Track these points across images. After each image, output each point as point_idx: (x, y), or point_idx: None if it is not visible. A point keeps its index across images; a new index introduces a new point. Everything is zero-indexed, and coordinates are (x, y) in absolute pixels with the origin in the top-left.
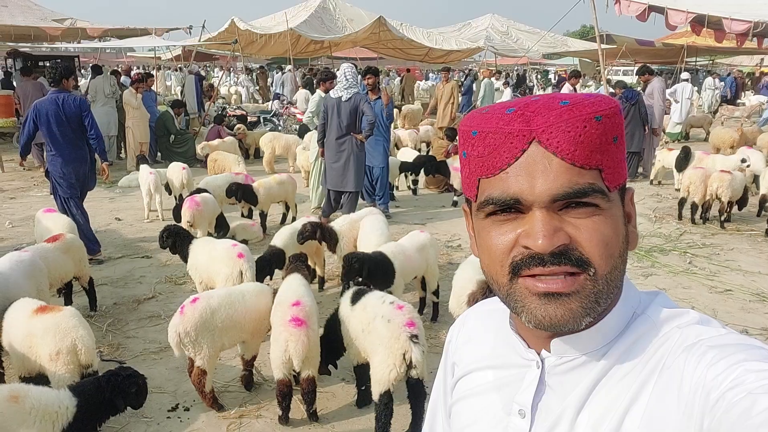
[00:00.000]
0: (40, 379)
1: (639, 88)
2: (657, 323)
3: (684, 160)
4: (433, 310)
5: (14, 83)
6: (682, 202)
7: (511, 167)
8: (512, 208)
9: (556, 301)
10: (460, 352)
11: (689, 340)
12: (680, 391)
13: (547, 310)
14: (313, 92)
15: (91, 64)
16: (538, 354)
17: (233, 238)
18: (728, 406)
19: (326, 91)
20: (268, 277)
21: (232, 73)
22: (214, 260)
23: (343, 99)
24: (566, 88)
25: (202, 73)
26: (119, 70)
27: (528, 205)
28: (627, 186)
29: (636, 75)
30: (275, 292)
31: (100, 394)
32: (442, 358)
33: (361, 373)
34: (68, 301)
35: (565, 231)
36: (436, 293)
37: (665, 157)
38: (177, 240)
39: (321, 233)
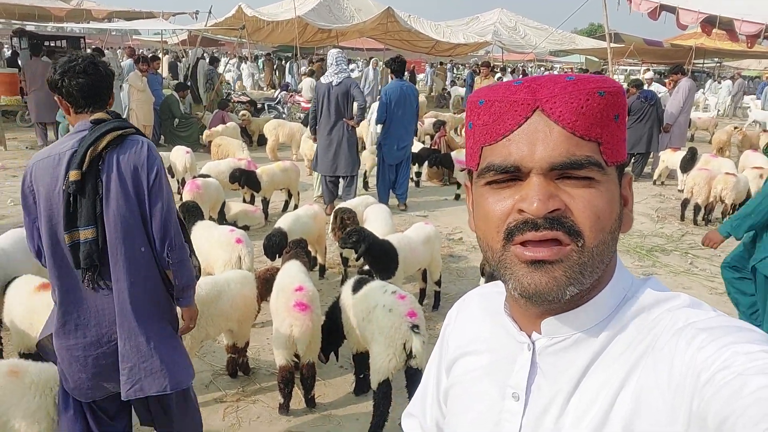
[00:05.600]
0: (39, 356)
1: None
2: (648, 306)
3: (690, 161)
4: (434, 300)
5: (20, 62)
6: (685, 203)
7: (513, 134)
8: (511, 175)
9: (542, 268)
10: (457, 333)
11: (679, 323)
12: (671, 374)
13: (533, 278)
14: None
15: (93, 46)
16: (529, 336)
17: (235, 223)
18: (718, 387)
19: None
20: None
21: (241, 60)
22: (213, 246)
23: (334, 84)
24: None
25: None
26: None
27: (527, 172)
28: (625, 172)
29: (668, 73)
30: (267, 278)
31: None
32: (438, 340)
33: (360, 361)
34: None
35: (560, 198)
36: (438, 283)
37: (669, 157)
38: (185, 216)
39: (343, 219)
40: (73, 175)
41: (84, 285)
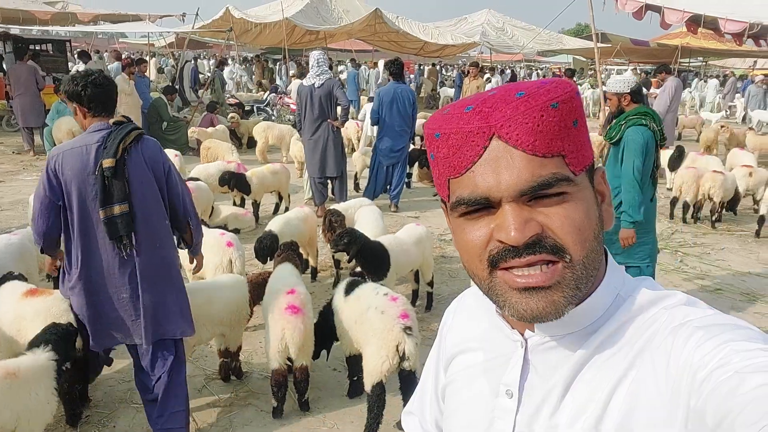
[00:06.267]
0: None
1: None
2: (644, 305)
3: (677, 160)
4: (427, 301)
5: (4, 66)
6: (674, 202)
7: (475, 165)
8: (483, 205)
9: (537, 294)
10: (454, 331)
11: (676, 321)
12: (667, 371)
13: (528, 304)
14: None
15: (78, 50)
16: (522, 334)
17: (225, 227)
18: (715, 385)
19: None
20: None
21: (231, 62)
22: (204, 249)
23: (316, 85)
24: None
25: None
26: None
27: (497, 201)
28: (597, 166)
29: (654, 73)
30: (259, 282)
31: (68, 336)
32: (436, 340)
33: (353, 363)
34: (57, 286)
35: (537, 221)
36: (430, 284)
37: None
38: None
39: (331, 222)
40: (108, 162)
41: (109, 251)
